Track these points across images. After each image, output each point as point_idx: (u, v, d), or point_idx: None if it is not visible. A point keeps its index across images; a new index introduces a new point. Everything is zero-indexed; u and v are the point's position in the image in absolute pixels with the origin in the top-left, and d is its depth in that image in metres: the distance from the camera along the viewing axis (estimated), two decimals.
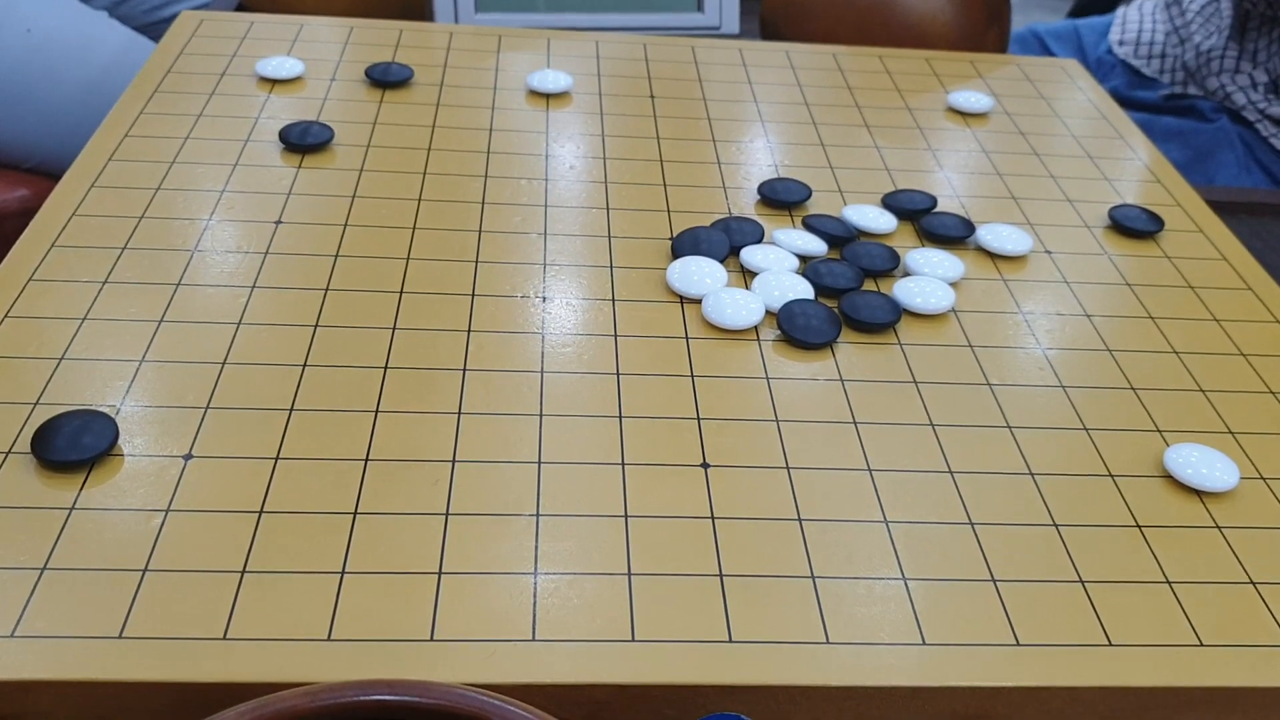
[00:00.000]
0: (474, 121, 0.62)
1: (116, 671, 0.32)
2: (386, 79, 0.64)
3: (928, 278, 0.51)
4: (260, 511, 0.37)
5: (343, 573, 0.36)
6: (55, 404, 0.41)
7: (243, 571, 0.35)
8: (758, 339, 0.47)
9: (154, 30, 1.05)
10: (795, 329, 0.47)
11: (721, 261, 0.51)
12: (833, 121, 0.65)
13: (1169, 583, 0.39)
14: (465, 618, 0.35)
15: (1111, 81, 1.15)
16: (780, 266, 0.51)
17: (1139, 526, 0.41)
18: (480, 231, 0.53)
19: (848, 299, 0.49)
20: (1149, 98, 1.12)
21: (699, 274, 0.50)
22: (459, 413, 0.42)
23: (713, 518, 0.39)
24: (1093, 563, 0.39)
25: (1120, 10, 1.20)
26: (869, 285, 0.51)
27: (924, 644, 0.35)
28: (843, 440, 0.43)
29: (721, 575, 0.37)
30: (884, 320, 0.48)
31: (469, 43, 0.70)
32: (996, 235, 0.55)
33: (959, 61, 0.74)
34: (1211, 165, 1.05)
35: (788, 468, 0.41)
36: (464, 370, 0.44)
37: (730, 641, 0.35)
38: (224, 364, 0.43)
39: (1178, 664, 0.36)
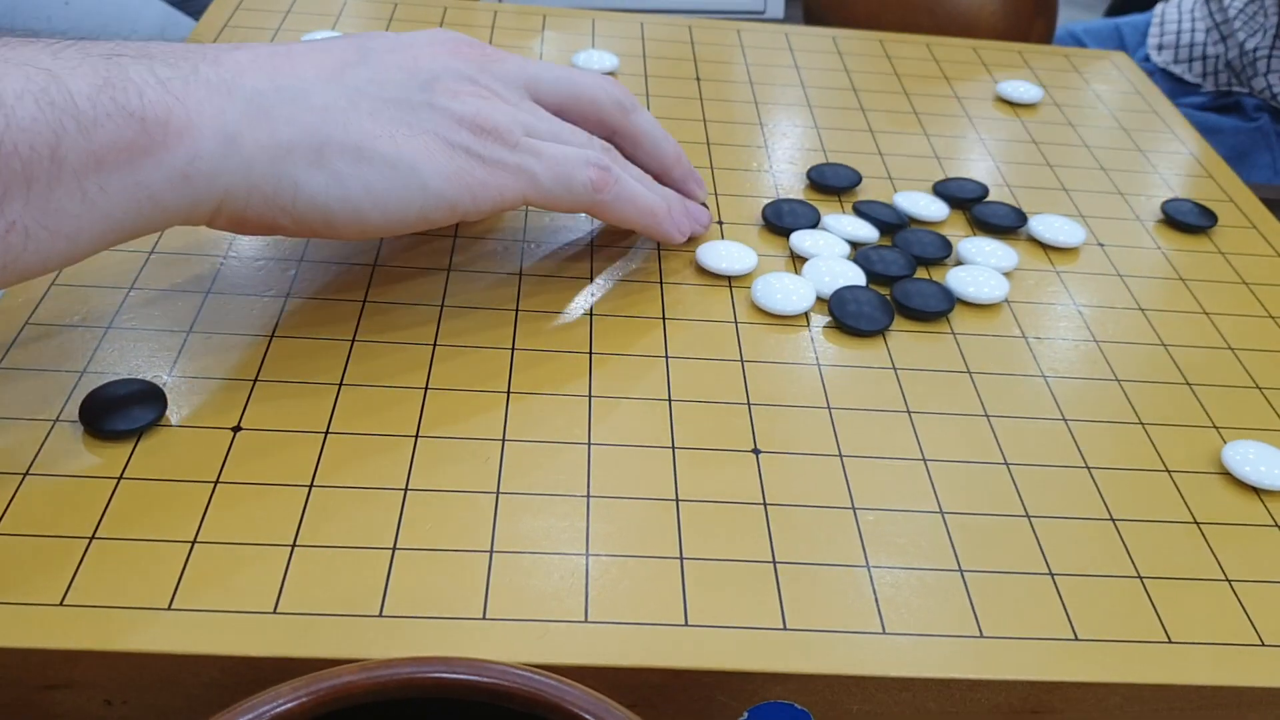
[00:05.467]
0: None
1: (165, 643, 0.32)
2: None
3: (981, 267, 0.50)
4: (310, 485, 0.37)
5: (394, 548, 0.35)
6: (102, 373, 0.41)
7: (293, 545, 0.35)
8: (808, 325, 0.47)
9: (191, 6, 1.04)
10: (847, 315, 0.46)
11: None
12: (880, 108, 0.65)
13: (1229, 581, 0.38)
14: (517, 597, 0.34)
15: None
16: (831, 252, 0.50)
17: (1197, 523, 0.40)
18: (526, 211, 0.52)
19: (900, 286, 0.49)
20: (1191, 103, 1.11)
21: (728, 252, 0.49)
22: (508, 392, 0.42)
23: (765, 504, 0.38)
24: (1151, 559, 0.38)
25: (1159, 8, 1.18)
26: (921, 273, 0.51)
27: (981, 636, 0.35)
28: (896, 429, 0.42)
29: (775, 562, 0.36)
30: (938, 309, 0.47)
31: (513, 21, 0.69)
32: (1049, 226, 0.54)
33: (1007, 51, 0.73)
34: (1247, 166, 1.04)
35: (840, 455, 0.41)
36: (512, 349, 0.44)
37: (784, 629, 0.34)
38: (272, 337, 0.43)
39: (1238, 663, 0.35)
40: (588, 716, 0.28)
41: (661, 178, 0.49)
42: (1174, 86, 1.13)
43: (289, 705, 0.27)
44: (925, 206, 0.55)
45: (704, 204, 0.51)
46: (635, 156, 0.47)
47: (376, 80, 0.40)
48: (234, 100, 0.37)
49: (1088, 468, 0.42)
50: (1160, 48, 1.15)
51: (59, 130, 0.33)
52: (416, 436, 0.39)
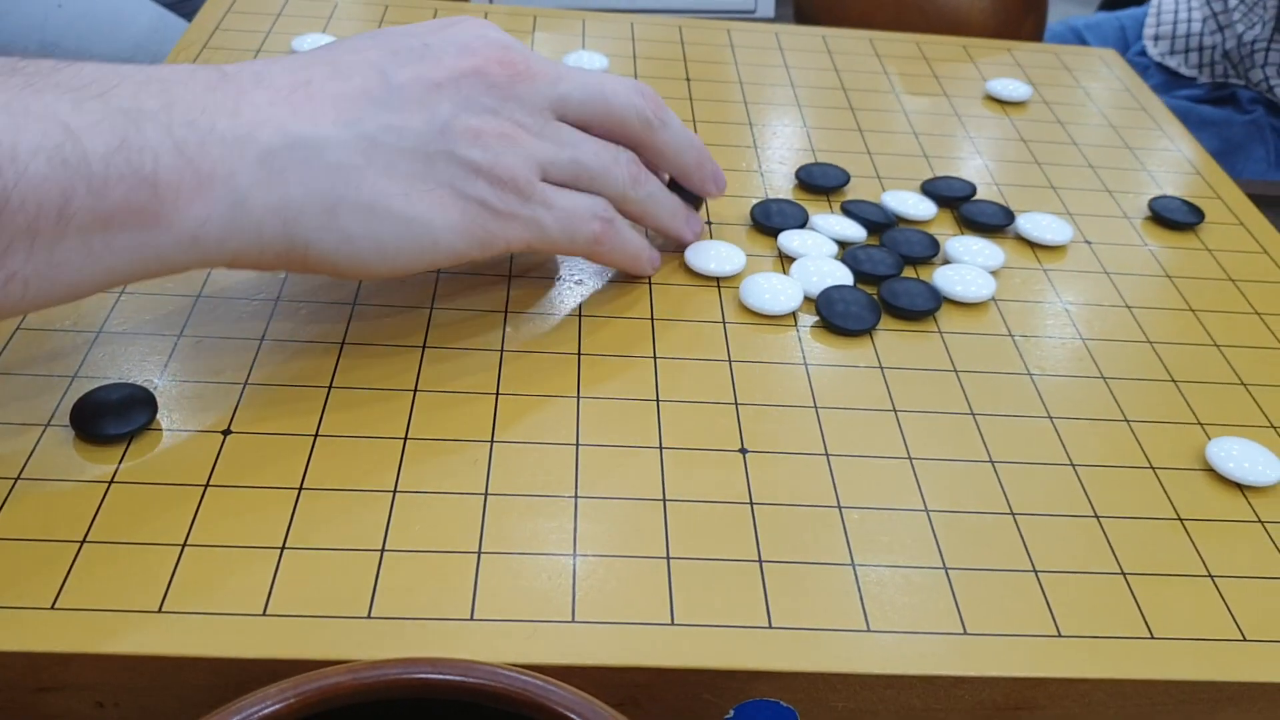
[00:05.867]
0: None
1: (155, 646, 0.32)
2: None
3: (968, 265, 0.51)
4: (300, 488, 0.37)
5: (382, 550, 0.36)
6: (93, 377, 0.41)
7: (282, 548, 0.35)
8: (796, 324, 0.47)
9: (184, 8, 1.05)
10: (835, 315, 0.47)
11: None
12: (869, 107, 0.65)
13: (1211, 576, 0.38)
14: (504, 597, 0.35)
15: (1147, 83, 1.14)
16: (819, 252, 0.51)
17: (1180, 519, 0.40)
18: None
19: (887, 285, 0.49)
20: (1186, 96, 1.11)
21: (716, 253, 0.50)
22: (497, 393, 0.42)
23: (751, 503, 0.39)
24: (1134, 555, 0.39)
25: (1155, 0, 1.18)
26: (909, 272, 0.51)
27: (965, 633, 0.35)
28: (883, 428, 0.42)
29: (761, 561, 0.37)
30: (925, 308, 0.48)
31: (504, 22, 0.70)
32: (1037, 224, 0.54)
33: (996, 49, 0.74)
34: (1240, 159, 1.04)
35: (827, 454, 0.41)
36: (501, 351, 0.44)
37: (770, 627, 0.35)
38: (261, 340, 0.43)
39: (1220, 658, 0.35)
40: (574, 716, 0.28)
41: (682, 180, 0.49)
42: (1169, 80, 1.14)
43: (276, 707, 0.27)
44: (913, 205, 0.55)
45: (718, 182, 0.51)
46: (657, 165, 0.48)
47: (395, 127, 0.39)
48: (246, 161, 0.36)
49: (1072, 465, 0.42)
50: (1156, 38, 1.15)
51: (69, 190, 0.33)
52: (405, 439, 0.40)
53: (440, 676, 0.28)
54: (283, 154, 0.37)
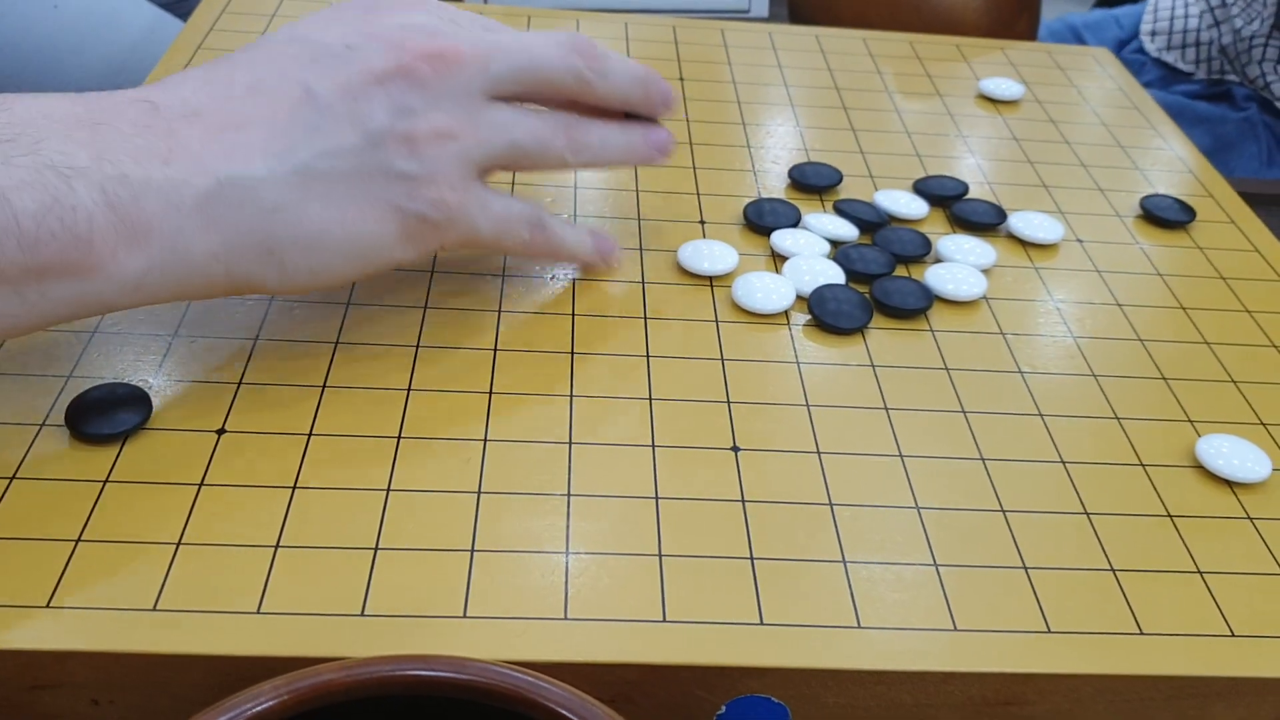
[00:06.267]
0: None
1: (150, 644, 0.33)
2: None
3: (960, 264, 0.51)
4: (294, 487, 0.38)
5: (376, 549, 0.36)
6: (88, 378, 0.41)
7: (276, 546, 0.36)
8: (788, 323, 0.47)
9: (180, 8, 1.05)
10: (826, 314, 0.47)
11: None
12: (863, 106, 0.65)
13: (1200, 572, 0.38)
14: (497, 595, 0.35)
15: (1142, 79, 1.14)
16: (811, 251, 0.51)
17: (1170, 516, 0.40)
18: None
19: (879, 284, 0.49)
20: (1183, 91, 1.11)
21: (709, 252, 0.50)
22: (490, 392, 0.42)
23: (743, 501, 0.39)
24: (1124, 551, 0.39)
25: None
26: (900, 271, 0.51)
27: (955, 629, 0.35)
28: (874, 426, 0.43)
29: (752, 558, 0.37)
30: (916, 306, 0.48)
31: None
32: (1028, 223, 0.55)
33: (990, 48, 0.74)
34: (1233, 156, 1.05)
35: (819, 452, 0.41)
36: (494, 350, 0.44)
37: (761, 624, 0.35)
38: (256, 340, 0.43)
39: (1209, 653, 0.36)
40: (565, 712, 0.28)
41: (633, 113, 0.48)
42: (1166, 74, 1.14)
43: (269, 704, 0.28)
44: (905, 204, 0.55)
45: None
46: (604, 108, 0.47)
47: (328, 152, 0.39)
48: (183, 211, 0.36)
49: (1063, 462, 0.42)
50: (1154, 33, 1.15)
51: None
52: (399, 438, 0.40)
53: (432, 673, 0.29)
54: (218, 199, 0.37)
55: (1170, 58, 1.14)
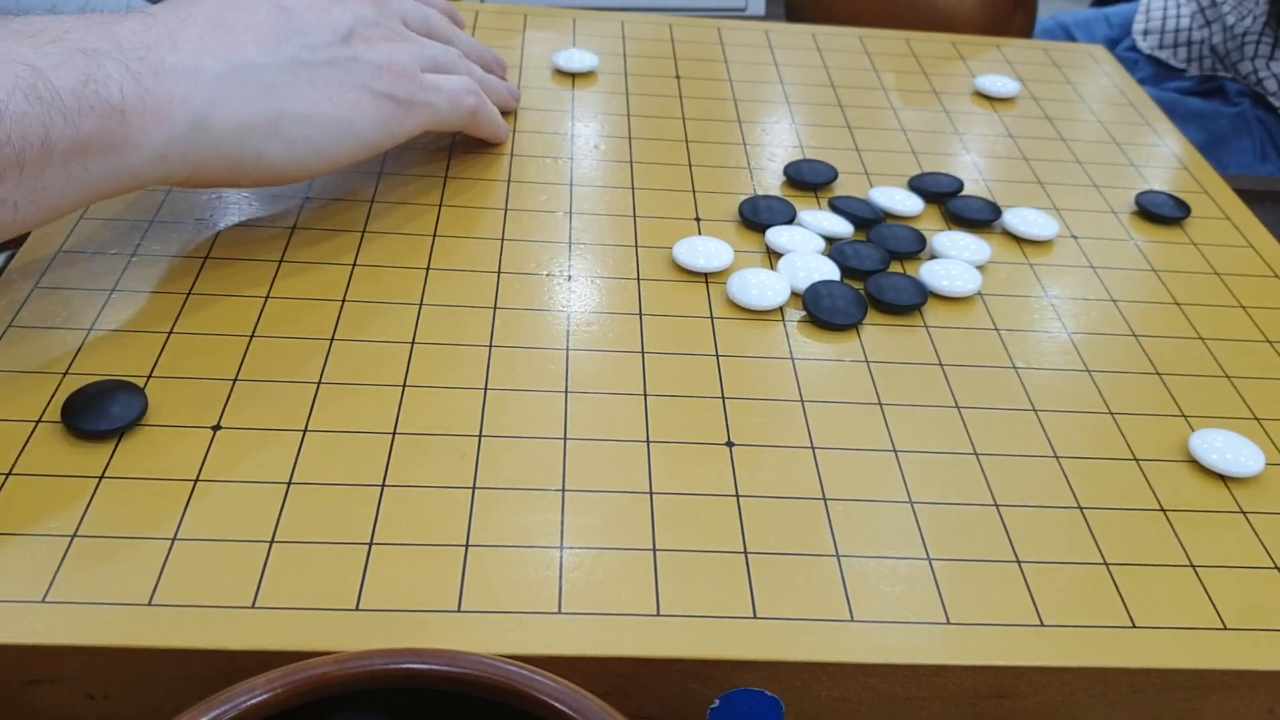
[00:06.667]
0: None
1: (145, 638, 0.33)
2: None
3: (954, 260, 0.51)
4: (289, 482, 0.38)
5: (370, 543, 0.36)
6: (84, 374, 0.41)
7: (271, 541, 0.36)
8: (783, 320, 0.47)
9: None
10: (821, 310, 0.47)
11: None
12: (859, 104, 0.65)
13: (1193, 566, 0.39)
14: (491, 589, 0.35)
15: (1135, 76, 1.14)
16: (806, 247, 0.51)
17: (1164, 510, 0.41)
18: (506, 209, 0.53)
19: (874, 281, 0.49)
20: (1175, 88, 1.11)
21: (704, 249, 0.50)
22: (485, 388, 0.42)
23: (737, 495, 0.39)
24: (1117, 545, 0.39)
25: None
26: (895, 267, 0.51)
27: (948, 623, 0.36)
28: (868, 421, 0.43)
29: (746, 552, 0.37)
30: (910, 302, 0.48)
31: (494, 21, 0.70)
32: (1023, 219, 0.55)
33: (985, 46, 0.74)
34: (1226, 152, 1.05)
35: (813, 447, 0.41)
36: (490, 346, 0.44)
37: (755, 617, 0.35)
38: (252, 336, 0.44)
39: (1201, 646, 0.36)
40: (559, 704, 0.28)
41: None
42: (1159, 72, 1.14)
43: (263, 697, 0.28)
44: (900, 201, 0.55)
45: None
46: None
47: (308, 45, 0.46)
48: (200, 86, 0.42)
49: (1056, 457, 0.42)
50: (1146, 33, 1.16)
51: (48, 123, 0.37)
52: (394, 433, 0.40)
53: (425, 666, 0.29)
54: (229, 78, 0.43)
55: (1163, 55, 1.14)
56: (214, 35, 0.43)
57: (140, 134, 0.40)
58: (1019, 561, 0.38)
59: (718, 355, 0.45)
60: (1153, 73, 1.14)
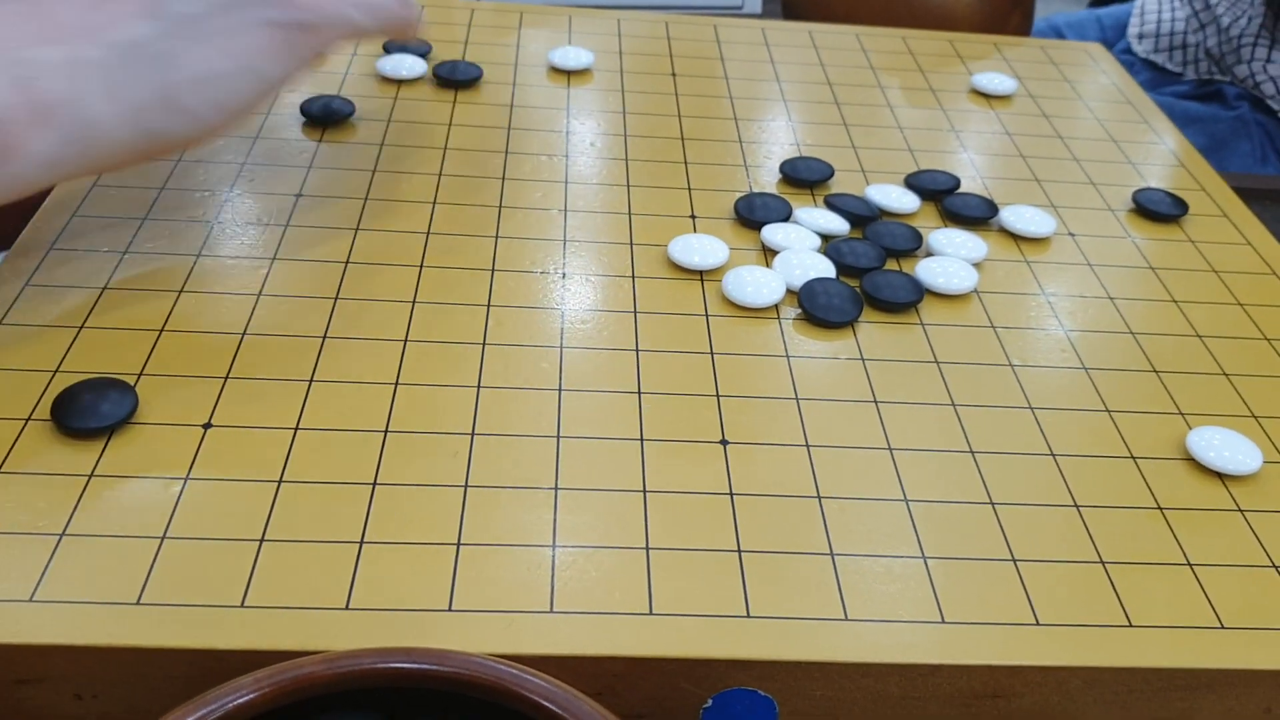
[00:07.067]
0: (495, 97, 0.61)
1: (134, 637, 0.32)
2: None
3: (950, 258, 0.51)
4: (279, 481, 0.37)
5: (361, 542, 0.36)
6: (75, 372, 0.41)
7: (261, 540, 0.35)
8: (778, 317, 0.47)
9: None
10: (817, 307, 0.47)
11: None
12: (855, 101, 0.65)
13: (1190, 565, 0.38)
14: (483, 588, 0.35)
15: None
16: (802, 245, 0.51)
17: (1160, 509, 0.40)
18: (501, 207, 0.52)
19: (870, 278, 0.49)
20: (1173, 92, 1.11)
21: (700, 246, 0.50)
22: (478, 386, 0.42)
23: (731, 494, 0.39)
24: (1114, 544, 0.39)
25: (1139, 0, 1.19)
26: (891, 265, 0.51)
27: (943, 622, 0.35)
28: (863, 419, 0.43)
29: (740, 551, 0.37)
30: (906, 300, 0.48)
31: (490, 19, 0.70)
32: (1020, 217, 0.54)
33: (982, 43, 0.74)
34: (1226, 154, 1.04)
35: (808, 445, 0.41)
36: (483, 344, 0.44)
37: (748, 616, 0.35)
38: (243, 334, 0.43)
39: (1198, 645, 0.36)
40: (549, 704, 0.28)
41: None
42: (1156, 76, 1.14)
43: (250, 697, 0.27)
44: (897, 199, 0.55)
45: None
46: None
47: None
48: (83, 80, 0.38)
49: (1053, 455, 0.42)
50: (1140, 37, 1.15)
51: None
52: (386, 431, 0.40)
53: (414, 666, 0.28)
54: (112, 63, 0.39)
55: (1159, 59, 1.14)
56: (95, 10, 0.40)
57: (22, 144, 0.37)
58: (1015, 560, 0.38)
59: (712, 353, 0.45)
60: (1149, 77, 1.14)
